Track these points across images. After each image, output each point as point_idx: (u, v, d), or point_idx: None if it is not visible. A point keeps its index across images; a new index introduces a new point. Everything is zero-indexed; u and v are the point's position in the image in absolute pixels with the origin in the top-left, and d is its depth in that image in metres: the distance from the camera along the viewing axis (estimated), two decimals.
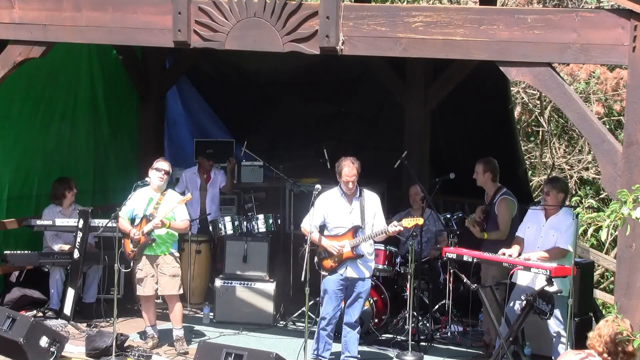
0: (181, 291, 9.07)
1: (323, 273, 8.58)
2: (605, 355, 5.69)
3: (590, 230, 11.87)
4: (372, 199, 8.46)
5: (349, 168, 8.28)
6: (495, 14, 7.17)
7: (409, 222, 8.39)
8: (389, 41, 7.36)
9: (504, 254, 8.21)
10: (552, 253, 8.06)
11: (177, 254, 9.08)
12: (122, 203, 8.87)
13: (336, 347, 8.60)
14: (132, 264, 9.07)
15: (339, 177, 8.35)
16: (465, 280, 8.22)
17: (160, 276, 8.94)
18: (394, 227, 8.25)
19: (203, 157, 11.31)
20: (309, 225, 8.46)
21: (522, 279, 8.26)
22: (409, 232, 9.29)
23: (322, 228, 8.52)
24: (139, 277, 8.99)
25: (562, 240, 8.07)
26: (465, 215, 9.81)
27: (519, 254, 8.20)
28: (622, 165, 6.73)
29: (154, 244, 8.87)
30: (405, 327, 9.18)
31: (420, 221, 8.55)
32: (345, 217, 8.36)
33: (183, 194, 10.62)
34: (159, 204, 8.92)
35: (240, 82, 12.75)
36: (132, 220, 8.97)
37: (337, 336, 8.67)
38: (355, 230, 8.33)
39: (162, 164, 9.00)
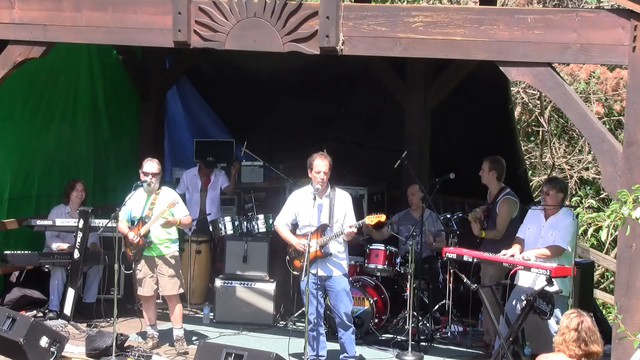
0: (181, 290, 9.07)
1: (295, 273, 8.58)
2: (575, 358, 5.76)
3: (590, 230, 11.88)
4: (342, 198, 8.40)
5: (320, 159, 8.26)
6: (495, 14, 7.17)
7: (371, 219, 8.30)
8: (389, 41, 7.36)
9: (505, 255, 8.22)
10: (550, 250, 8.07)
11: (176, 254, 9.08)
12: (122, 203, 8.88)
13: (335, 346, 8.60)
14: (132, 265, 9.08)
15: (310, 172, 8.29)
16: (465, 280, 8.22)
17: (159, 276, 8.94)
18: (350, 227, 8.16)
19: (202, 164, 11.29)
20: (279, 223, 8.50)
21: (524, 280, 8.27)
22: (409, 232, 9.31)
23: (296, 227, 8.51)
24: (139, 277, 9.01)
25: (559, 237, 8.08)
26: (466, 215, 9.80)
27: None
28: (622, 165, 6.73)
29: (151, 245, 8.88)
30: (405, 327, 9.18)
31: (383, 217, 8.39)
32: (314, 215, 8.32)
33: (183, 194, 10.64)
34: (153, 204, 8.92)
35: (240, 82, 12.75)
36: (132, 223, 8.97)
37: (334, 335, 8.68)
38: (323, 229, 8.29)
39: (149, 167, 8.93)
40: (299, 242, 8.31)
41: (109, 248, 9.52)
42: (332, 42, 7.44)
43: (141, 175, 8.94)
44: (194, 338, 9.27)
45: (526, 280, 8.24)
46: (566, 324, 5.84)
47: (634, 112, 6.71)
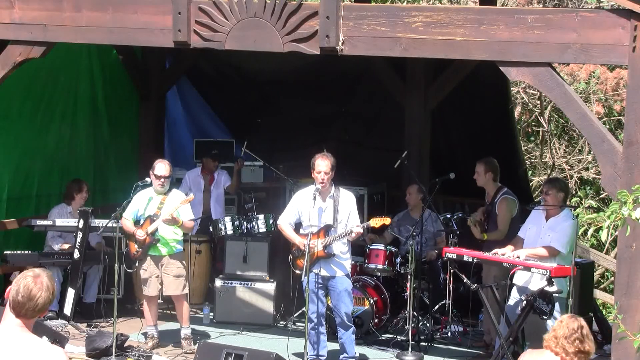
0: (186, 291, 9.07)
1: (297, 272, 8.59)
2: (563, 355, 5.66)
3: (590, 231, 11.88)
4: (347, 198, 8.41)
5: (322, 159, 8.28)
6: (495, 14, 7.16)
7: (376, 222, 8.33)
8: (389, 41, 7.35)
9: (496, 254, 8.22)
10: (541, 251, 8.05)
11: (182, 255, 9.11)
12: (122, 203, 8.88)
13: (335, 346, 8.60)
14: (136, 264, 9.07)
15: (313, 172, 8.31)
16: (465, 280, 8.22)
17: (164, 276, 8.94)
18: (358, 228, 8.20)
19: (208, 158, 11.28)
20: (283, 222, 8.50)
21: (518, 279, 8.27)
22: (409, 232, 9.31)
23: (299, 226, 8.51)
24: (144, 277, 9.00)
25: (554, 239, 8.07)
26: (466, 215, 9.81)
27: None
28: (622, 165, 6.72)
29: (158, 245, 8.89)
30: (406, 327, 9.19)
31: (387, 220, 8.44)
32: (318, 215, 8.33)
33: (186, 194, 10.63)
34: (162, 203, 8.93)
35: (240, 82, 12.75)
36: (137, 222, 8.97)
37: (334, 335, 8.68)
38: (327, 229, 8.30)
39: (161, 169, 8.93)
40: (303, 241, 8.30)
41: (109, 248, 9.53)
42: (332, 42, 7.43)
43: (152, 177, 8.93)
44: (194, 338, 9.26)
45: (520, 279, 8.23)
46: (563, 323, 5.74)
47: (634, 112, 6.70)
